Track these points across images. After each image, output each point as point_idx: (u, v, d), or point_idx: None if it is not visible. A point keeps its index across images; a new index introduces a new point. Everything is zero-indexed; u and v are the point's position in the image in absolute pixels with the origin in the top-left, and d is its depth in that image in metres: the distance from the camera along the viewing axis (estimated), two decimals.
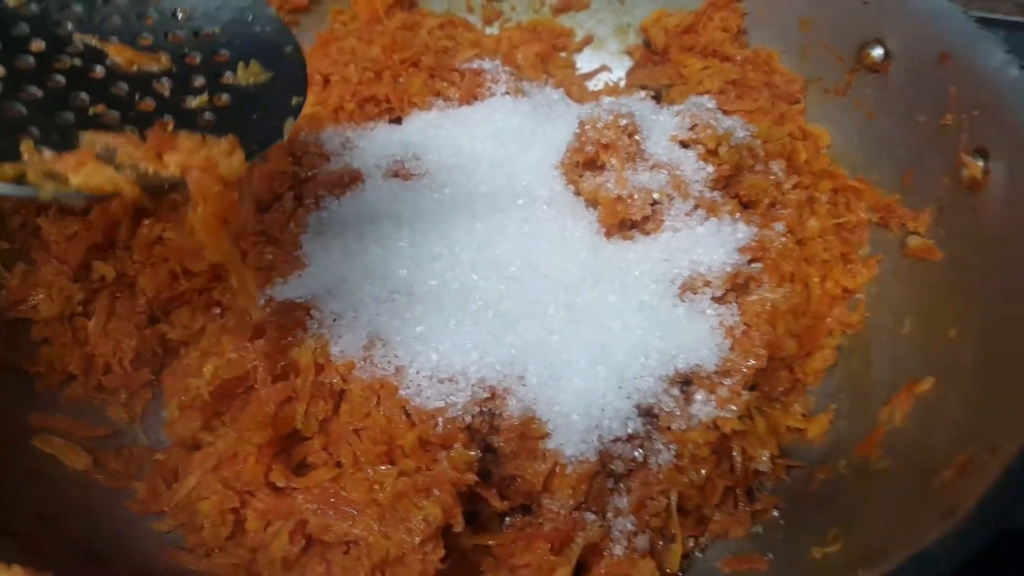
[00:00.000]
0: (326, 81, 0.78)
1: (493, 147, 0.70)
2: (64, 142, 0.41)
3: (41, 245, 0.64)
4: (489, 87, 0.74)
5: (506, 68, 0.76)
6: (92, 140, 0.42)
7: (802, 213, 0.68)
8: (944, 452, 0.51)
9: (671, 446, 0.56)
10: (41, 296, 0.61)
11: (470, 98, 0.74)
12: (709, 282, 0.61)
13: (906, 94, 0.68)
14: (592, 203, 0.64)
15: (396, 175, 0.70)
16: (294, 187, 0.70)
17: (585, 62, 0.86)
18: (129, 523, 0.57)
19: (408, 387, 0.54)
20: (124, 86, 0.47)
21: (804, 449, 0.62)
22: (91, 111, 0.45)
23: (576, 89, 0.82)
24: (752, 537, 0.58)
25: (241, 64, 0.50)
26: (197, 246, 0.62)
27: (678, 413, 0.57)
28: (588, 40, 0.86)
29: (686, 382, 0.59)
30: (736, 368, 0.59)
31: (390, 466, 0.52)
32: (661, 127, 0.65)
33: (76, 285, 0.63)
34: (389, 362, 0.55)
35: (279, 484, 0.53)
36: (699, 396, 0.58)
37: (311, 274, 0.61)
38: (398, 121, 0.75)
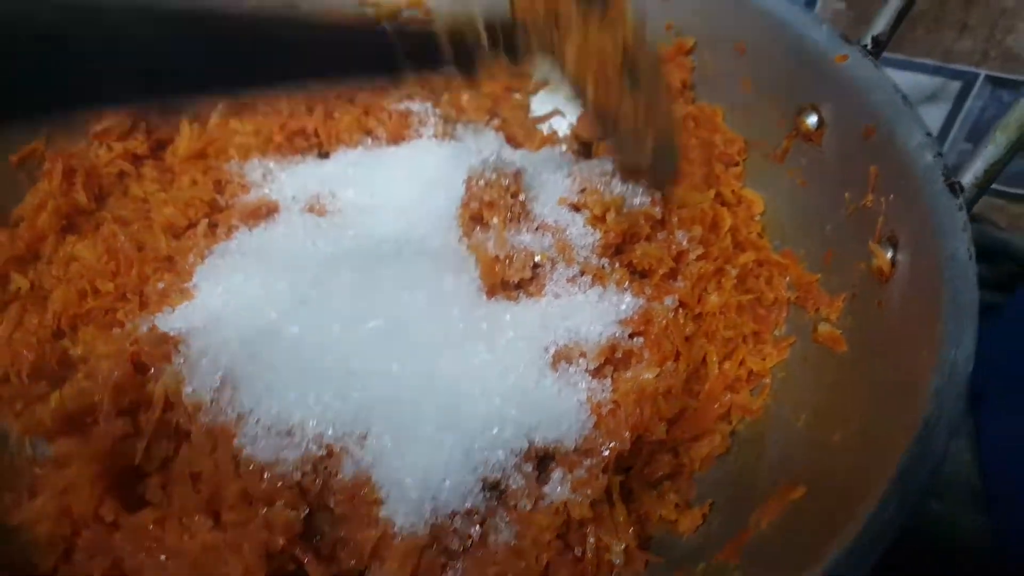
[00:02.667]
0: (256, 109, 0.79)
1: (405, 190, 0.69)
2: None
3: None
4: (416, 129, 0.74)
5: (437, 111, 0.75)
6: None
7: (707, 286, 0.64)
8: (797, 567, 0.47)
9: (513, 526, 0.54)
10: None
11: (397, 138, 0.74)
12: (584, 353, 0.58)
13: (836, 167, 0.63)
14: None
15: (312, 210, 0.70)
16: (210, 215, 0.71)
17: (539, 105, 0.84)
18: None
19: (244, 436, 0.53)
20: None
21: (671, 543, 0.58)
22: None
23: (522, 133, 0.80)
24: None
25: None
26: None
27: (527, 492, 0.54)
28: (543, 84, 0.84)
29: (545, 458, 0.56)
30: (596, 449, 0.55)
31: (207, 517, 0.52)
32: (554, 187, 0.62)
33: None
34: (233, 408, 0.55)
35: (107, 519, 0.53)
36: (556, 474, 0.56)
37: (193, 307, 0.62)
38: (326, 155, 0.75)
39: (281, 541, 0.50)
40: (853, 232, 0.60)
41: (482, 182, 0.60)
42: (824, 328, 0.61)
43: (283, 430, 0.53)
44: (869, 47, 0.61)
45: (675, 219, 0.64)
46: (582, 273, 0.60)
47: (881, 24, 0.61)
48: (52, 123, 0.60)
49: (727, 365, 0.62)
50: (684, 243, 0.63)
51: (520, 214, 0.60)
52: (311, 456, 0.53)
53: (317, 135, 0.75)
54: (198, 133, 0.79)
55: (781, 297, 0.65)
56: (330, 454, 0.53)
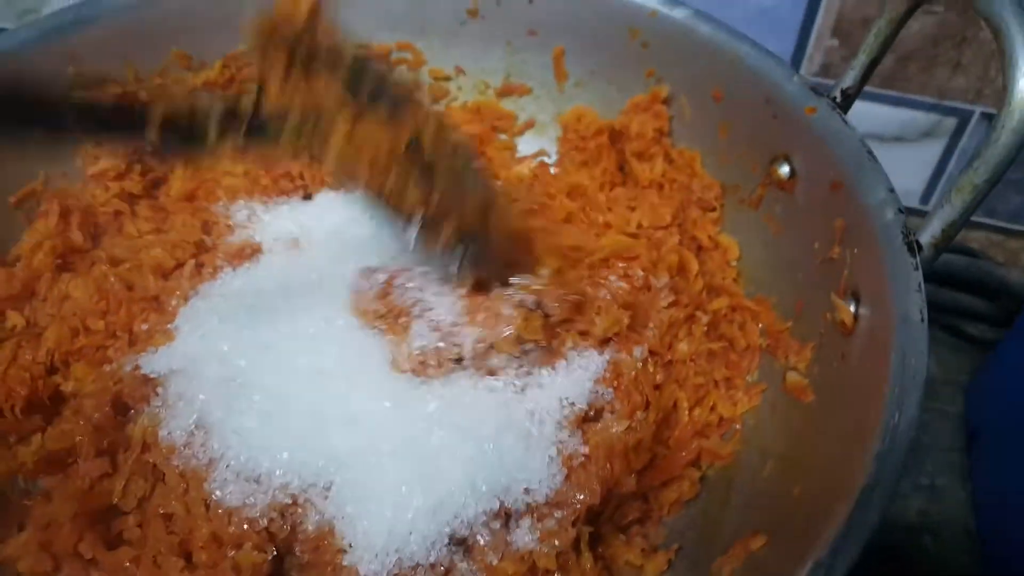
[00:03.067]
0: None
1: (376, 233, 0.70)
2: None
3: None
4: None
5: None
6: None
7: (678, 332, 0.65)
8: None
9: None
10: None
11: None
12: (558, 421, 0.59)
13: (806, 217, 0.64)
14: None
15: (292, 249, 0.72)
16: (196, 255, 0.73)
17: (525, 145, 0.86)
18: None
19: (215, 481, 0.55)
20: None
21: None
22: None
23: (504, 173, 0.82)
24: None
25: None
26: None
27: (493, 546, 0.55)
28: (530, 124, 0.86)
29: (513, 514, 0.57)
30: (567, 502, 0.56)
31: (179, 557, 0.53)
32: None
33: None
34: (205, 452, 0.56)
35: (86, 555, 0.55)
36: (524, 523, 0.56)
37: (173, 349, 0.64)
38: (309, 197, 0.77)
39: None
40: (821, 282, 0.60)
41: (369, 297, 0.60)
42: (792, 377, 0.61)
43: (251, 476, 0.55)
44: (838, 100, 0.62)
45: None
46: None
47: (850, 78, 0.61)
48: None
49: (697, 411, 0.63)
50: (660, 288, 0.64)
51: (405, 313, 0.59)
52: (278, 504, 0.54)
53: (302, 178, 0.77)
54: (191, 174, 0.82)
55: (754, 344, 0.65)
56: (295, 503, 0.55)
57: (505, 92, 0.85)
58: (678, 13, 0.72)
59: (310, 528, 0.54)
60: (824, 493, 0.50)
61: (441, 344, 0.57)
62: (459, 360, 0.58)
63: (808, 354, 0.61)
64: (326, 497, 0.54)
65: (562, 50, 0.81)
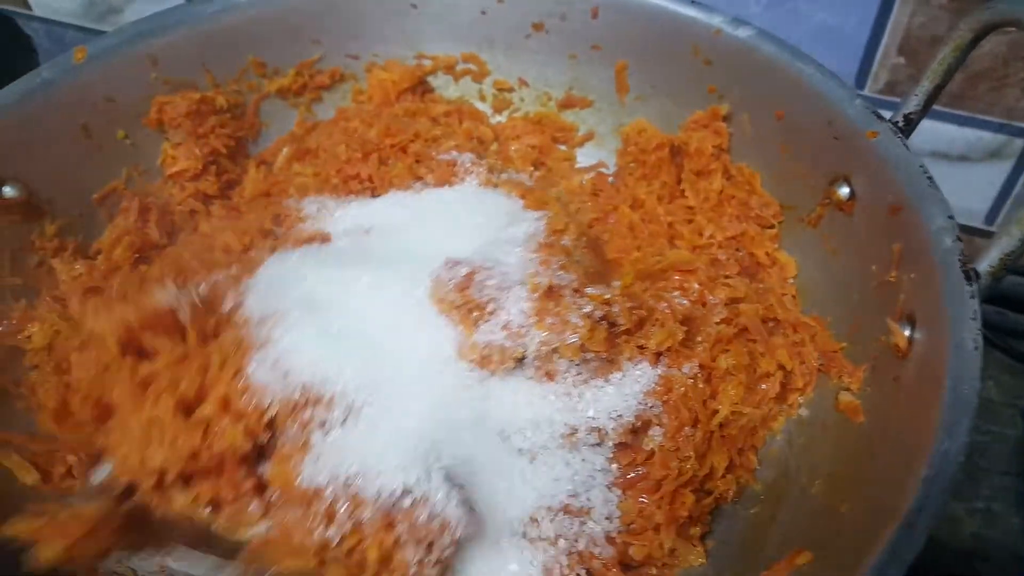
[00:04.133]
0: (318, 154, 0.85)
1: (444, 231, 0.72)
2: None
3: (52, 283, 0.74)
4: (462, 177, 0.78)
5: (483, 160, 0.79)
6: None
7: (727, 347, 0.66)
8: None
9: None
10: (35, 328, 0.72)
11: (443, 184, 0.78)
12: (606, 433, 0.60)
13: (864, 239, 0.64)
14: None
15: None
16: (265, 239, 0.77)
17: (584, 157, 0.87)
18: None
19: (256, 359, 0.56)
20: None
21: None
22: None
23: (564, 183, 0.83)
24: None
25: None
26: None
27: None
28: (589, 136, 0.87)
29: None
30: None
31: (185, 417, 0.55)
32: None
33: (67, 322, 0.72)
34: (264, 334, 0.58)
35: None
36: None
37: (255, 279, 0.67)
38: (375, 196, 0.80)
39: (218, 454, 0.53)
40: (877, 305, 0.61)
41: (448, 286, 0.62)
42: (845, 397, 0.62)
43: (284, 370, 0.56)
44: (901, 124, 0.62)
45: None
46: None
47: (913, 103, 0.62)
48: None
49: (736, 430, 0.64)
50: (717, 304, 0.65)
51: (481, 307, 0.61)
52: (291, 401, 0.55)
53: (371, 180, 0.80)
54: (264, 175, 0.86)
55: (811, 364, 0.66)
56: (307, 404, 0.55)
57: (567, 104, 0.87)
58: (742, 32, 0.72)
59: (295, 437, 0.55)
60: (872, 513, 0.51)
61: (507, 343, 0.59)
62: (521, 359, 0.60)
63: (861, 375, 0.61)
64: (343, 422, 0.56)
65: (625, 65, 0.83)
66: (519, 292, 0.60)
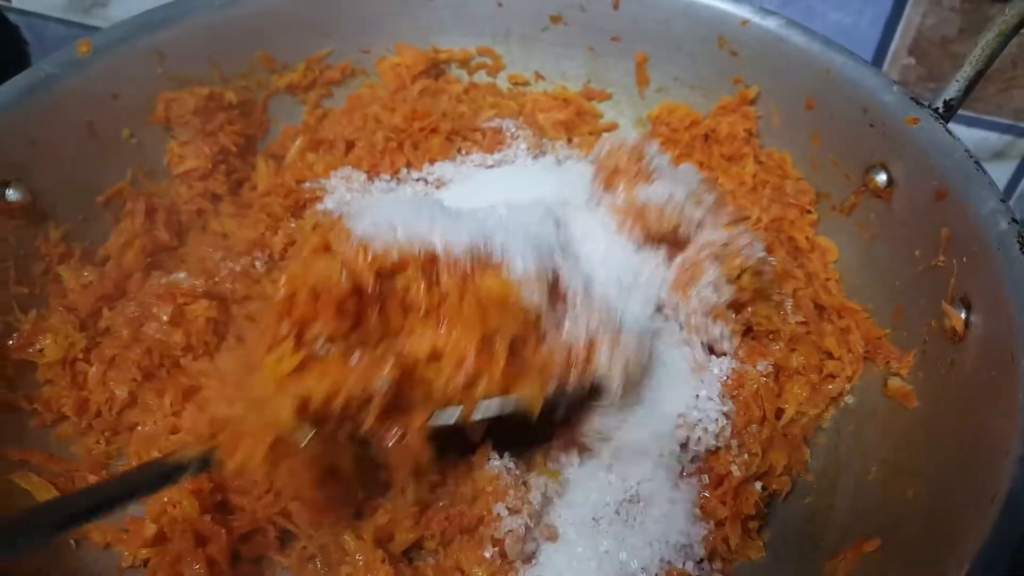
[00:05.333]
0: (350, 146, 0.82)
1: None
2: None
3: (59, 292, 0.70)
4: (510, 144, 0.77)
5: (525, 128, 0.78)
6: None
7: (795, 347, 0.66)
8: None
9: None
10: (48, 341, 0.67)
11: (493, 152, 0.78)
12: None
13: (906, 225, 0.65)
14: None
15: None
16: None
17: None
18: (91, 562, 0.61)
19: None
20: None
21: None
22: None
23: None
24: None
25: None
26: None
27: None
28: (612, 126, 0.86)
29: None
30: None
31: None
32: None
33: (81, 334, 0.68)
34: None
35: None
36: None
37: None
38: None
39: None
40: (924, 290, 0.61)
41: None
42: (895, 383, 0.62)
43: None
44: (940, 111, 0.63)
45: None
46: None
47: (953, 89, 0.62)
48: None
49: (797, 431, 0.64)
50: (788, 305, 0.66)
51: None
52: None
53: (409, 165, 0.78)
54: (275, 168, 0.83)
55: (857, 351, 0.66)
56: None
57: (585, 97, 0.86)
58: (770, 22, 0.73)
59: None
60: (944, 498, 0.51)
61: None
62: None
63: (911, 360, 0.62)
64: None
65: (645, 56, 0.82)
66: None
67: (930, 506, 0.52)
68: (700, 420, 0.59)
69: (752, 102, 0.77)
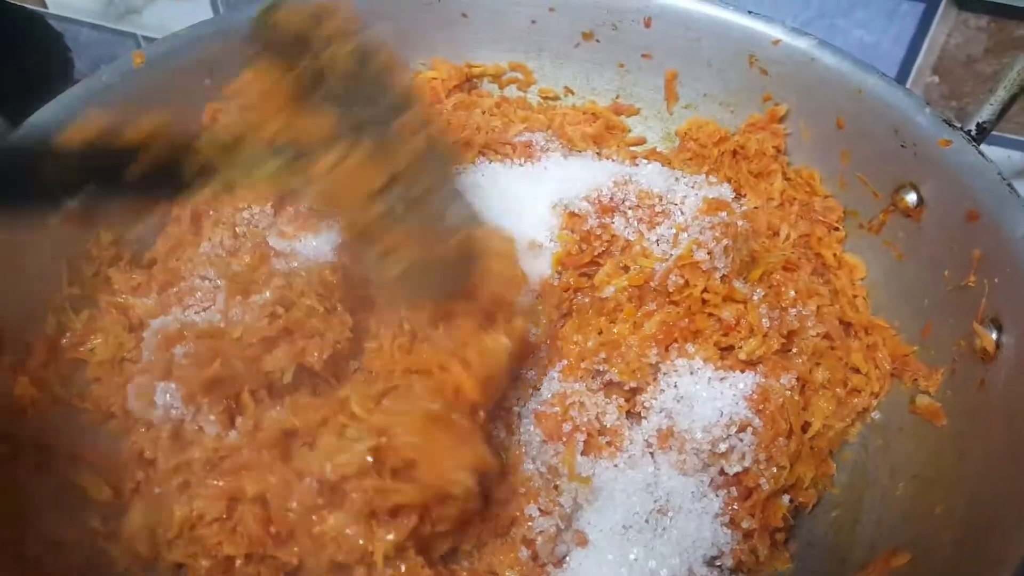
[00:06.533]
0: None
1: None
2: None
3: (110, 293, 0.73)
4: (538, 157, 0.79)
5: (555, 139, 0.81)
6: None
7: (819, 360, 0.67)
8: None
9: None
10: (98, 341, 0.70)
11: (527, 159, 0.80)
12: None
13: (935, 245, 0.66)
14: None
15: None
16: None
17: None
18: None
19: None
20: None
21: None
22: None
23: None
24: None
25: None
26: None
27: None
28: (640, 141, 0.88)
29: None
30: None
31: None
32: None
33: (130, 335, 0.71)
34: None
35: None
36: None
37: None
38: None
39: None
40: (953, 309, 0.62)
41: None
42: (923, 400, 0.63)
43: None
44: (973, 133, 0.64)
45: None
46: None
47: (987, 112, 0.63)
48: None
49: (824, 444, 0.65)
50: (795, 322, 0.66)
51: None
52: None
53: None
54: None
55: (884, 372, 0.67)
56: None
57: (614, 112, 0.88)
58: (802, 42, 0.74)
59: None
60: (975, 514, 0.52)
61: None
62: None
63: (939, 378, 0.63)
64: None
65: (675, 73, 0.84)
66: None
67: (962, 522, 0.53)
68: (728, 437, 0.60)
69: (781, 120, 0.79)
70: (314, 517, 0.54)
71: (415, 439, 0.52)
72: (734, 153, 0.79)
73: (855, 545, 0.61)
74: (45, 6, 1.23)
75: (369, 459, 0.52)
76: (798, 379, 0.64)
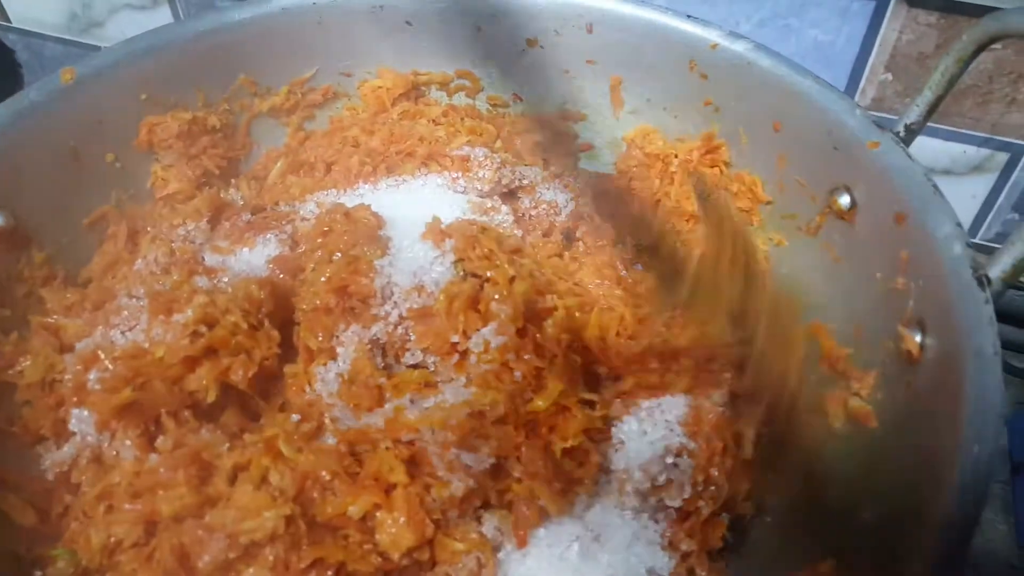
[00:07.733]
0: (328, 168, 0.84)
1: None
2: None
3: (42, 313, 0.72)
4: (475, 172, 0.78)
5: (496, 155, 0.80)
6: None
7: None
8: None
9: None
10: (27, 363, 0.69)
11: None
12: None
13: (868, 247, 0.65)
14: None
15: None
16: None
17: (587, 161, 0.88)
18: None
19: None
20: None
21: None
22: None
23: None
24: None
25: None
26: None
27: None
28: (587, 147, 0.88)
29: None
30: None
31: None
32: None
33: (61, 356, 0.70)
34: None
35: None
36: None
37: None
38: None
39: None
40: (882, 311, 0.62)
41: None
42: (855, 403, 0.62)
43: None
44: (902, 134, 0.63)
45: None
46: None
47: (914, 114, 0.63)
48: None
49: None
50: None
51: None
52: None
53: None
54: (256, 190, 0.84)
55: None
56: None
57: (561, 118, 0.87)
58: (739, 46, 0.73)
59: None
60: (897, 520, 0.52)
61: None
62: None
63: (871, 381, 0.62)
64: None
65: (619, 79, 0.83)
66: None
67: (884, 528, 0.53)
68: (664, 469, 0.59)
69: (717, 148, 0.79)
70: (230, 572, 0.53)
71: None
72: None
73: (788, 553, 0.60)
74: (7, 19, 1.23)
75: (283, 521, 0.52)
76: (728, 393, 0.64)
